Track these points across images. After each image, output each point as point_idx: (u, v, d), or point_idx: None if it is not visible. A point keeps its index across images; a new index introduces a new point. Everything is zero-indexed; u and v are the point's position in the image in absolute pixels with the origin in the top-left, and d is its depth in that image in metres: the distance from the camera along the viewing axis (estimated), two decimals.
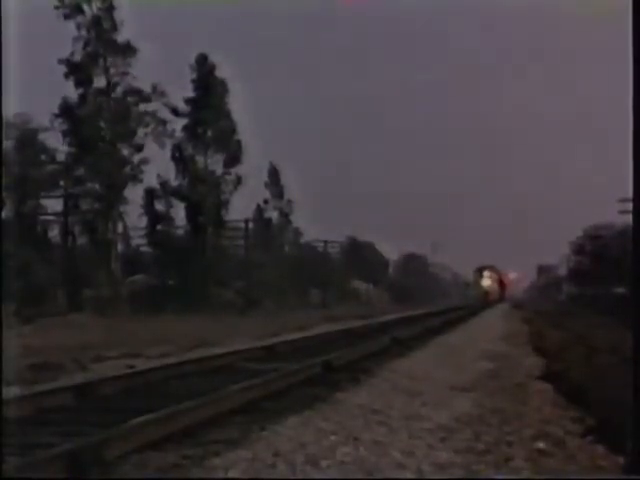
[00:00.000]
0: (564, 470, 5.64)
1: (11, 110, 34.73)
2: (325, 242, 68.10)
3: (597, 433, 6.72)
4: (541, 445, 6.34)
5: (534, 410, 8.17)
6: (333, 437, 6.26)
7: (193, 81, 43.47)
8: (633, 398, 5.12)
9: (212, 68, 43.88)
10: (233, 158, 44.67)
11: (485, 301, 77.26)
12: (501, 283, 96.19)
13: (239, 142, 44.71)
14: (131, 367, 11.89)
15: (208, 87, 43.23)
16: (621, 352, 12.13)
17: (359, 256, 75.35)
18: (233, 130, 44.57)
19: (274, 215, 58.84)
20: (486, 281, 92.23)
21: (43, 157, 39.16)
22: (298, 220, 60.91)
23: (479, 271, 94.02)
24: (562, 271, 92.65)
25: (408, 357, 13.11)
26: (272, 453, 5.61)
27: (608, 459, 5.94)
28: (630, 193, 5.22)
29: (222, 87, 43.84)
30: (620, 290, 45.14)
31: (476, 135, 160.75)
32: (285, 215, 59.39)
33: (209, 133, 43.76)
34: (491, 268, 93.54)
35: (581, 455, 6.09)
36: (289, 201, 58.82)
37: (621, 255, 42.16)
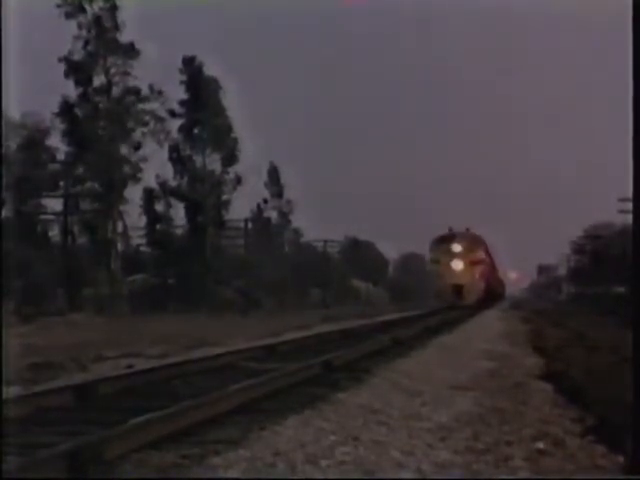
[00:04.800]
0: (564, 470, 5.64)
1: (13, 110, 34.88)
2: (325, 242, 68.18)
3: (597, 433, 6.72)
4: (541, 445, 6.34)
5: (534, 410, 8.17)
6: (333, 437, 6.26)
7: (183, 82, 43.47)
8: (633, 398, 5.12)
9: (201, 68, 43.85)
10: (230, 157, 44.69)
11: (453, 303, 44.01)
12: (483, 264, 49.21)
13: (235, 140, 44.73)
14: (131, 367, 11.88)
15: (199, 87, 43.22)
16: (621, 351, 12.14)
17: (359, 256, 75.36)
18: (229, 128, 44.56)
19: (274, 215, 58.95)
20: (457, 263, 47.27)
21: (44, 156, 39.23)
22: (298, 220, 61.00)
23: (442, 242, 48.27)
24: (562, 271, 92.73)
25: (408, 357, 13.10)
26: (272, 452, 5.61)
27: (608, 459, 5.94)
28: (630, 193, 5.23)
29: (214, 85, 43.80)
30: (620, 289, 45.17)
31: (475, 135, 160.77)
32: (285, 215, 59.45)
33: (205, 132, 43.78)
34: (467, 237, 48.42)
35: (581, 455, 6.09)
36: (288, 201, 58.89)
37: (621, 255, 42.19)
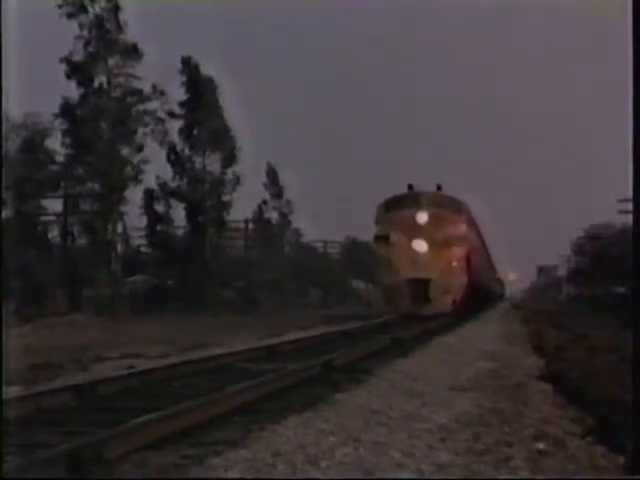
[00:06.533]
0: (564, 470, 5.64)
1: (15, 110, 34.93)
2: (325, 242, 68.13)
3: (597, 433, 6.72)
4: (541, 445, 6.34)
5: (534, 410, 8.17)
6: (333, 437, 6.26)
7: (183, 83, 43.55)
8: (633, 398, 5.13)
9: (198, 68, 43.91)
10: (229, 157, 44.74)
11: (412, 311, 27.46)
12: (465, 245, 29.67)
13: (235, 140, 44.81)
14: (131, 367, 11.89)
15: (198, 87, 43.27)
16: (621, 352, 12.14)
17: (359, 256, 75.30)
18: (228, 128, 44.62)
19: (274, 215, 58.95)
20: (420, 244, 28.58)
21: (43, 157, 39.24)
22: (298, 220, 60.99)
23: (396, 208, 29.60)
24: (562, 271, 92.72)
25: (408, 357, 13.10)
26: (272, 453, 5.61)
27: (608, 459, 5.94)
28: (630, 193, 5.24)
29: (211, 84, 43.83)
30: (620, 290, 45.20)
31: (475, 135, 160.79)
32: (285, 215, 59.46)
33: (205, 133, 43.80)
34: (438, 200, 29.75)
35: (581, 455, 6.09)
36: (288, 201, 58.91)
37: (621, 255, 42.21)
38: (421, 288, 28.00)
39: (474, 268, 31.31)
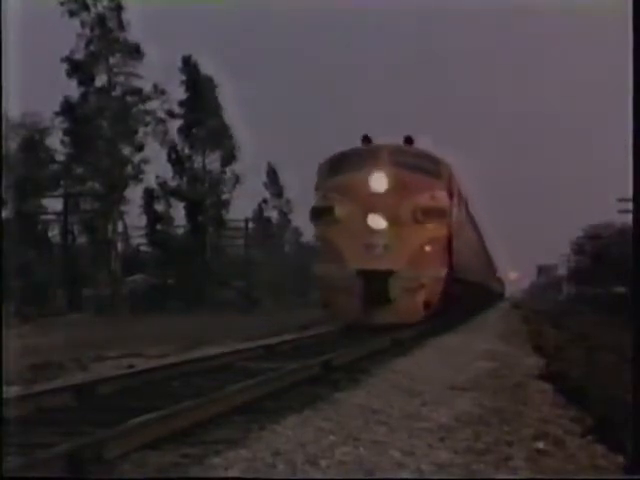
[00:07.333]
0: (564, 470, 5.64)
1: (14, 110, 34.97)
2: None
3: (597, 432, 6.73)
4: (541, 445, 6.34)
5: (534, 410, 8.17)
6: (333, 436, 6.25)
7: (183, 82, 43.64)
8: (633, 398, 5.13)
9: (197, 67, 44.04)
10: (229, 156, 44.81)
11: (361, 320, 18.45)
12: (444, 221, 19.72)
13: (234, 139, 44.90)
14: (131, 366, 11.89)
15: (196, 86, 43.36)
16: (621, 352, 12.15)
17: None
18: (226, 127, 44.69)
19: (274, 214, 59.04)
20: (377, 220, 18.76)
21: (43, 156, 39.30)
22: (298, 219, 61.04)
23: (346, 168, 19.66)
24: (562, 271, 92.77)
25: (407, 357, 13.09)
26: (272, 452, 5.61)
27: (608, 459, 5.94)
28: (630, 193, 5.24)
29: (210, 84, 43.93)
30: (620, 290, 45.20)
31: (474, 135, 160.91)
32: (285, 214, 59.55)
33: (204, 132, 43.88)
34: (406, 156, 19.87)
35: (581, 455, 6.09)
36: (288, 200, 59.00)
37: (621, 255, 42.22)
38: (378, 284, 18.83)
39: (458, 256, 21.97)
